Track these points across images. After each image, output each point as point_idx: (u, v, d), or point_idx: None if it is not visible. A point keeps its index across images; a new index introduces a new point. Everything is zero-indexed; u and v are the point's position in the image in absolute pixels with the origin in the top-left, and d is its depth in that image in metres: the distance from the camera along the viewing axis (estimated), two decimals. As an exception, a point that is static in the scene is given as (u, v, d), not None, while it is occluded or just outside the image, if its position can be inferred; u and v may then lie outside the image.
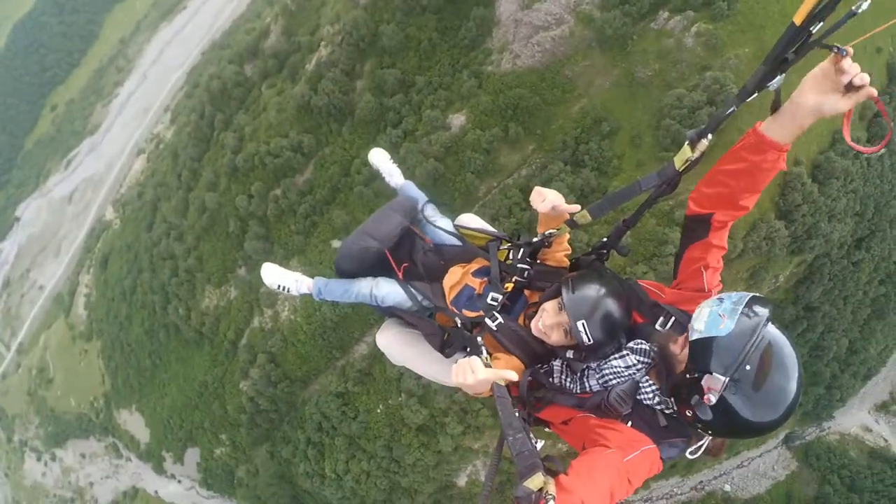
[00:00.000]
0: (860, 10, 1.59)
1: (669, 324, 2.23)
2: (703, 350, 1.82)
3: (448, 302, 2.87)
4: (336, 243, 35.87)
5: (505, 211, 30.46)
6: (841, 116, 1.86)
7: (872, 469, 44.94)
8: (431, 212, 3.30)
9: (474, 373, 1.92)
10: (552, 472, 1.65)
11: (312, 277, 3.46)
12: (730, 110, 2.01)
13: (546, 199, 2.36)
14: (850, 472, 44.52)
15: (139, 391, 53.90)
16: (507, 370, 1.96)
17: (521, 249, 2.80)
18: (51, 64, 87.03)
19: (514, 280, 2.72)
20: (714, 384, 1.76)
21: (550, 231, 2.65)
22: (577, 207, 2.41)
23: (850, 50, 1.73)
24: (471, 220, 3.23)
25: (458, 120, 31.86)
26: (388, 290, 3.02)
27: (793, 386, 1.72)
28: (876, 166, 35.45)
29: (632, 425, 2.08)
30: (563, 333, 2.33)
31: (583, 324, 2.17)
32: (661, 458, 2.00)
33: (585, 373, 2.32)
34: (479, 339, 2.58)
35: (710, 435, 1.99)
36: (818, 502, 44.08)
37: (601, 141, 29.82)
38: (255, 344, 40.76)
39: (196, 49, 69.04)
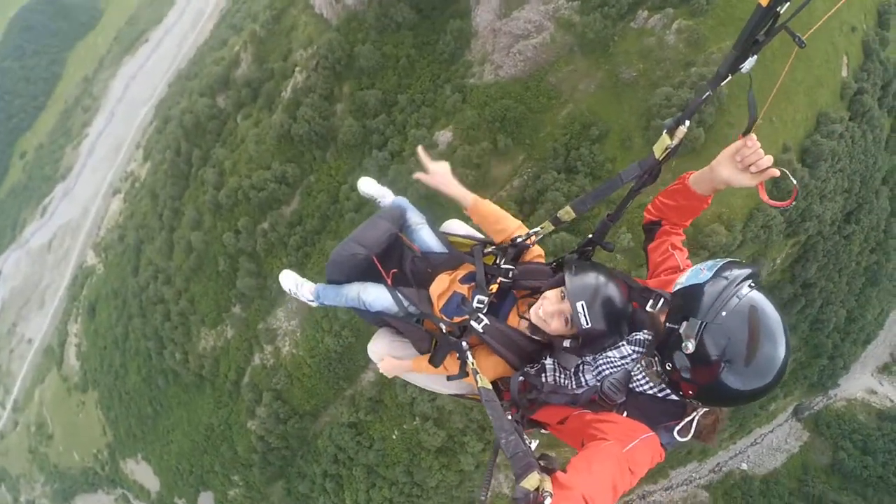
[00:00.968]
0: None
1: (659, 304, 2.20)
2: (682, 298, 1.88)
3: (437, 309, 2.85)
4: (333, 273, 35.08)
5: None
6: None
7: (882, 430, 45.67)
8: (418, 219, 3.28)
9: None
10: (549, 471, 1.63)
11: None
12: (705, 95, 2.07)
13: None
14: (861, 436, 45.19)
15: (143, 439, 52.44)
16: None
17: (506, 252, 2.82)
18: (16, 110, 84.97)
19: (498, 281, 2.72)
20: (690, 330, 1.77)
21: (533, 230, 2.74)
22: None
23: (752, 140, 1.99)
24: (457, 226, 3.30)
25: (444, 136, 31.23)
26: (376, 296, 3.01)
27: (781, 351, 1.71)
28: (860, 142, 35.85)
29: (627, 415, 2.07)
30: (563, 321, 2.31)
31: (582, 305, 2.15)
32: (661, 444, 1.97)
33: (581, 367, 2.31)
34: (464, 343, 2.59)
35: (699, 401, 1.95)
36: (834, 469, 44.70)
37: (592, 145, 29.48)
38: (258, 382, 39.78)
39: (162, 81, 67.46)
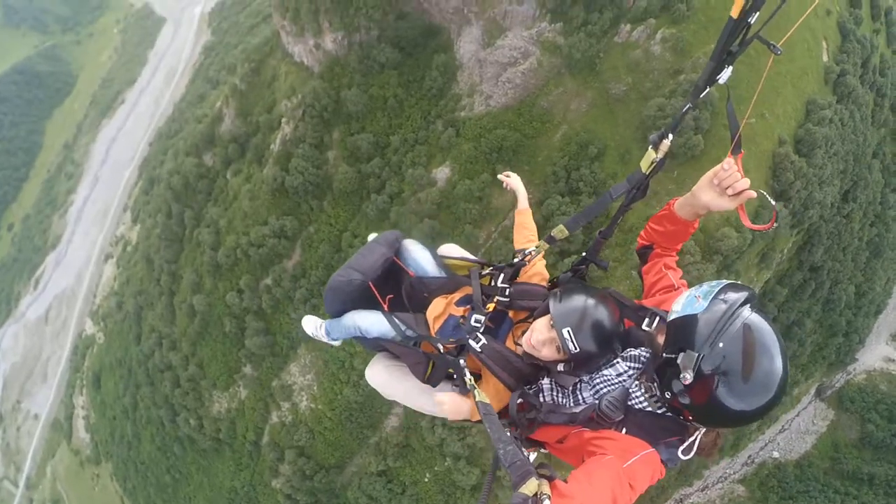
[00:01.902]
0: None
1: (655, 323, 2.25)
2: (678, 329, 1.85)
3: (433, 332, 2.88)
4: (344, 322, 34.34)
5: (509, 255, 29.58)
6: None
7: (906, 395, 45.80)
8: (414, 244, 3.29)
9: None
10: (548, 478, 1.64)
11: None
12: (685, 108, 2.15)
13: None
14: (885, 405, 45.05)
15: (165, 509, 50.75)
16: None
17: (502, 272, 2.86)
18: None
19: (495, 300, 2.73)
20: (688, 361, 1.76)
21: (529, 249, 2.80)
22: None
23: (729, 163, 2.02)
24: (453, 249, 3.31)
25: (442, 173, 30.89)
26: (373, 322, 3.03)
27: (778, 365, 1.71)
28: (849, 123, 36.22)
29: (626, 432, 2.05)
30: (553, 349, 2.31)
31: (568, 331, 2.16)
32: (662, 461, 1.95)
33: (578, 386, 2.32)
34: (461, 362, 2.58)
35: (700, 424, 1.95)
36: (864, 442, 44.43)
37: (591, 164, 29.26)
38: (279, 440, 38.67)
39: (143, 141, 67.06)
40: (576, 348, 2.16)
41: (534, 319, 2.49)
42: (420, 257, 3.18)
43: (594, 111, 29.83)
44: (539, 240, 2.93)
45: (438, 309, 2.91)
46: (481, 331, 2.65)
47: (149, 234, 51.06)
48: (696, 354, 1.74)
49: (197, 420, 43.17)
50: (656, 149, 2.25)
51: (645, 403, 2.09)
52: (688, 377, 1.76)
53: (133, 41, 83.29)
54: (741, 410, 1.72)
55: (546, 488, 1.54)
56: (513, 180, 3.30)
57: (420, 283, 3.08)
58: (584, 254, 2.79)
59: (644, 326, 2.26)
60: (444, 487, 34.99)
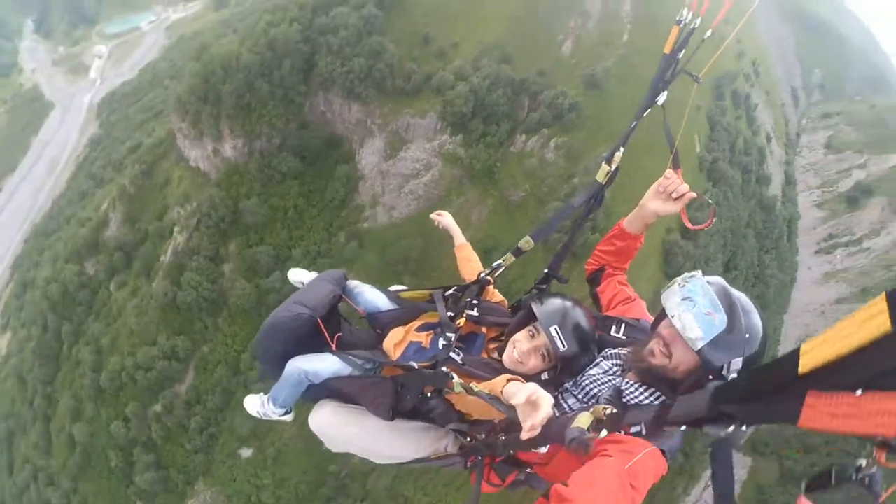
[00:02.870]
0: (705, 37, 2.37)
1: (622, 329, 2.37)
2: (715, 350, 1.88)
3: (395, 359, 2.62)
4: (246, 452, 31.05)
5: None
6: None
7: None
8: (360, 283, 3.07)
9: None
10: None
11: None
12: (633, 125, 2.52)
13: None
14: (798, 439, 47.62)
15: None
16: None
17: (467, 290, 2.84)
18: None
19: (465, 315, 2.64)
20: (735, 366, 1.87)
21: (496, 263, 2.84)
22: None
23: (670, 173, 2.35)
24: (403, 288, 3.18)
25: (348, 286, 29.72)
26: (322, 362, 2.59)
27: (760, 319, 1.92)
28: (724, 203, 40.27)
29: (625, 432, 2.01)
30: (539, 357, 2.30)
31: (556, 329, 2.21)
32: (663, 453, 1.95)
33: (562, 395, 2.31)
34: (443, 368, 2.37)
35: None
36: (786, 478, 46.43)
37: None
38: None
39: (17, 237, 60.21)
40: (564, 346, 2.20)
41: (508, 335, 2.49)
42: (370, 294, 2.94)
43: (495, 217, 30.51)
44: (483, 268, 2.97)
45: (397, 337, 2.71)
46: (453, 347, 2.54)
47: (21, 346, 44.54)
48: (741, 359, 1.87)
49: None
50: (609, 162, 2.52)
51: (641, 397, 2.09)
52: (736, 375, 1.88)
53: (19, 124, 76.36)
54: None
55: (601, 412, 1.69)
56: (445, 219, 3.35)
57: (373, 319, 2.86)
58: (546, 270, 2.81)
59: (613, 333, 2.38)
60: None
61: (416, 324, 2.81)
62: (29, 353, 41.54)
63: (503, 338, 2.58)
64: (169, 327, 32.35)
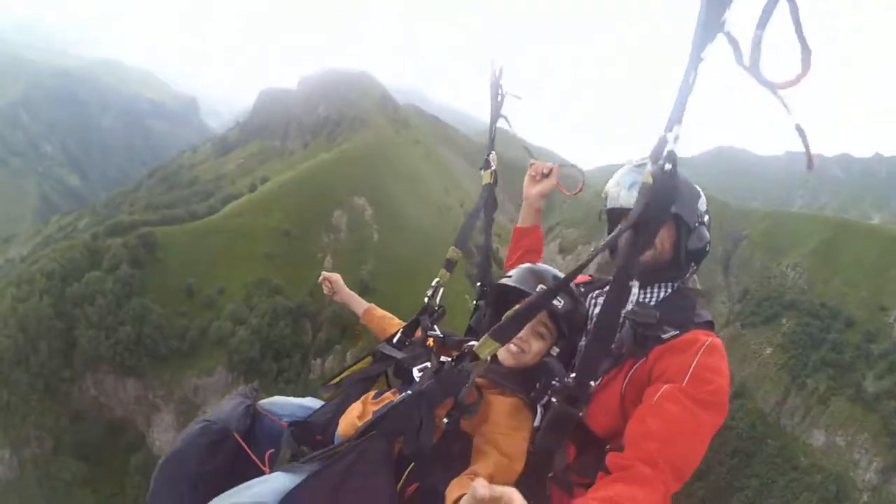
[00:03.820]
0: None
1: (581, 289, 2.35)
2: (667, 201, 1.67)
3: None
4: None
5: None
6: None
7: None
8: (267, 397, 2.51)
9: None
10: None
11: None
12: (492, 133, 2.73)
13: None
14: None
15: None
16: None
17: (414, 327, 2.52)
18: None
19: (431, 337, 2.30)
20: (701, 210, 2.07)
21: (434, 282, 2.60)
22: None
23: (533, 161, 2.66)
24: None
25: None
26: (268, 485, 1.72)
27: None
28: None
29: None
30: (539, 336, 2.02)
31: (541, 287, 1.94)
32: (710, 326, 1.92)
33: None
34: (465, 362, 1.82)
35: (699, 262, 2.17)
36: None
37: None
38: None
39: None
40: (561, 301, 1.94)
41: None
42: (289, 400, 2.41)
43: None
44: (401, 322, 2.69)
45: (356, 411, 2.05)
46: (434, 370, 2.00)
47: None
48: (698, 199, 2.05)
49: None
50: (488, 167, 2.69)
51: (661, 294, 2.02)
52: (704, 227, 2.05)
53: None
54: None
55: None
56: (336, 287, 2.94)
57: (305, 426, 2.12)
58: (478, 283, 2.64)
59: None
60: None
61: (370, 394, 2.20)
62: None
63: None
64: None
